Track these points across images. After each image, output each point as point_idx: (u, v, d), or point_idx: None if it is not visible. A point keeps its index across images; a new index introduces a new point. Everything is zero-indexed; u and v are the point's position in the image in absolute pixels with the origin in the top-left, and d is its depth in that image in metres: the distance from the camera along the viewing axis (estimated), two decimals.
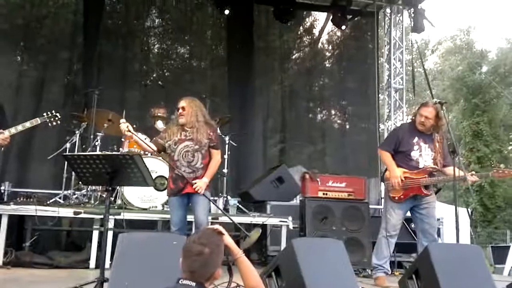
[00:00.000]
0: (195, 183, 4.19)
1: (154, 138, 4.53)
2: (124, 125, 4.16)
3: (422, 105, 4.79)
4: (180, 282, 2.08)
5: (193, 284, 2.06)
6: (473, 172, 4.53)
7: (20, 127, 4.01)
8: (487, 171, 4.82)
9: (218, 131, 4.74)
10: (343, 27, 9.23)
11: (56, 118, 4.26)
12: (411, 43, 10.09)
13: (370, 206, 5.64)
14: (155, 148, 4.44)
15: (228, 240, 2.32)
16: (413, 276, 3.75)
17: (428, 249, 3.66)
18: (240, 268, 2.34)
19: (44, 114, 4.22)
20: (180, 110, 4.36)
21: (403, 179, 4.59)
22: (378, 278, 4.69)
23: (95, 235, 4.94)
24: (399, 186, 4.58)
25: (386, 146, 4.85)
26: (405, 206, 4.69)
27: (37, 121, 4.13)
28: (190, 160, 4.30)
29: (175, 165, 4.31)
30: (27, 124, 4.06)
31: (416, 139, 4.66)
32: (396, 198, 4.67)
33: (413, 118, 4.84)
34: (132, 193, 5.48)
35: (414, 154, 4.64)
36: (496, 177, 4.64)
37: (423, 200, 4.64)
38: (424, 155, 4.63)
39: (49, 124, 4.21)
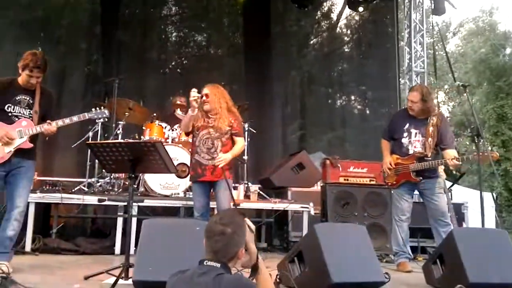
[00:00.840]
0: (219, 158, 4.21)
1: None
2: (194, 93, 4.19)
3: (409, 90, 4.88)
4: (204, 263, 2.11)
5: (218, 265, 2.09)
6: (455, 156, 4.41)
7: (67, 120, 3.95)
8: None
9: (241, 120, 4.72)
10: (361, 10, 9.07)
11: (104, 115, 4.24)
12: (432, 25, 9.85)
13: (392, 191, 5.57)
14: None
15: (251, 245, 2.31)
16: (437, 261, 3.74)
17: (453, 233, 3.64)
18: (257, 277, 2.32)
19: (93, 109, 4.16)
20: (204, 97, 4.38)
21: (393, 165, 4.67)
22: (400, 263, 4.68)
23: (120, 222, 5.01)
24: (390, 172, 4.69)
25: (383, 134, 4.97)
26: (406, 191, 4.70)
27: (84, 116, 4.07)
28: (210, 147, 4.32)
29: (194, 150, 4.36)
30: (75, 118, 4.00)
31: (407, 125, 4.67)
32: (390, 184, 4.78)
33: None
34: (154, 180, 5.54)
35: (404, 140, 4.68)
36: (476, 161, 4.48)
37: (422, 186, 4.62)
38: (413, 140, 4.64)
39: (97, 120, 4.18)
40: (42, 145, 7.18)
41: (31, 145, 3.85)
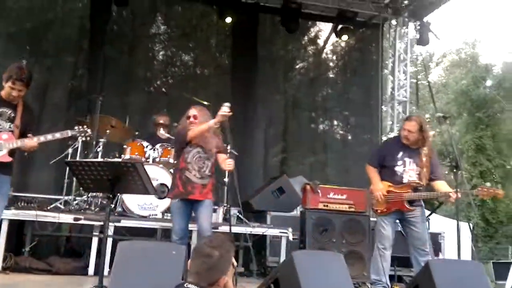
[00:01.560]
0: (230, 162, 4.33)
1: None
2: (227, 108, 4.19)
3: (406, 119, 4.89)
4: (185, 285, 2.08)
5: None
6: (458, 190, 4.45)
7: (50, 136, 3.92)
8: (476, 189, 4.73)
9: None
10: (346, 37, 9.24)
11: (87, 134, 4.18)
12: (416, 56, 10.06)
13: (371, 219, 5.59)
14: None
15: (229, 283, 2.30)
16: None
17: (429, 265, 3.64)
18: None
19: (76, 127, 4.14)
20: (192, 119, 4.39)
21: (385, 193, 4.65)
22: None
23: (95, 241, 4.92)
24: (382, 199, 4.64)
25: (371, 161, 4.89)
26: (393, 219, 4.70)
27: (67, 133, 4.06)
28: (201, 166, 4.33)
29: (184, 167, 4.31)
30: (57, 135, 3.98)
31: (400, 154, 4.67)
32: (379, 211, 4.73)
33: (399, 132, 4.89)
34: (132, 201, 5.46)
35: (398, 169, 4.67)
36: (480, 195, 4.63)
37: (410, 215, 4.63)
38: (408, 169, 4.64)
39: (79, 138, 4.15)
40: (19, 160, 7.09)
41: (10, 158, 3.78)
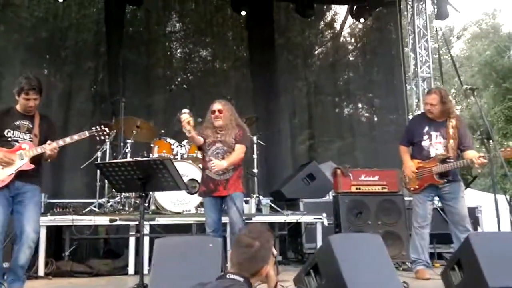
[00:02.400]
0: (212, 162, 4.19)
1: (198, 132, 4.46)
2: (185, 115, 4.13)
3: (426, 93, 4.88)
4: (228, 276, 2.09)
5: (241, 279, 2.08)
6: (481, 154, 4.39)
7: (68, 139, 3.92)
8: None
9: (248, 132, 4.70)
10: (363, 20, 9.08)
11: (105, 132, 4.17)
12: (436, 30, 9.79)
13: (405, 198, 5.51)
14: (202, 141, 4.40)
15: (271, 272, 2.29)
16: (456, 267, 3.66)
17: (470, 239, 3.56)
18: None
19: (93, 128, 4.15)
20: (217, 113, 4.38)
21: (415, 169, 4.62)
22: (418, 271, 4.62)
23: (132, 241, 4.98)
24: (413, 176, 4.63)
25: (401, 140, 4.93)
26: (427, 196, 4.64)
27: (85, 134, 4.05)
28: None
29: (205, 166, 4.34)
30: (75, 137, 3.98)
31: (426, 128, 4.65)
32: (412, 189, 4.71)
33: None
34: (165, 198, 5.51)
35: (425, 143, 4.65)
36: (505, 156, 4.44)
37: (445, 191, 4.57)
38: (435, 143, 4.60)
39: (97, 138, 4.17)
40: (51, 168, 7.26)
41: (32, 166, 3.80)
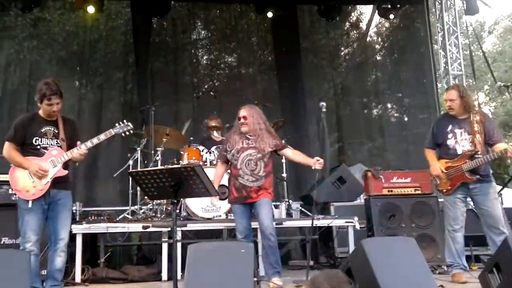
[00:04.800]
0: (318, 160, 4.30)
1: (218, 155, 4.55)
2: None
3: (445, 91, 4.83)
4: None
5: None
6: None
7: (95, 140, 3.97)
8: None
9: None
10: (392, 17, 8.96)
11: (129, 128, 4.18)
12: (466, 26, 9.57)
13: (439, 200, 5.37)
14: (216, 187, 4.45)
15: None
16: (494, 270, 3.57)
17: (508, 241, 3.49)
18: None
19: (117, 124, 4.16)
20: (242, 120, 4.41)
21: (444, 170, 4.51)
22: (455, 274, 4.52)
23: (165, 247, 5.03)
24: (442, 177, 4.53)
25: (426, 143, 4.81)
26: (459, 197, 4.52)
27: (110, 132, 4.08)
28: (253, 168, 4.34)
29: (237, 174, 4.35)
30: (102, 137, 4.01)
31: (450, 127, 4.56)
32: (445, 190, 4.59)
33: None
34: (196, 204, 5.54)
35: (450, 142, 4.55)
36: None
37: (476, 191, 4.45)
38: (460, 140, 4.50)
39: (123, 134, 4.18)
40: (85, 177, 7.47)
41: (66, 171, 3.90)
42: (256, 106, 4.69)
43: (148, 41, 8.59)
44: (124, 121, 4.21)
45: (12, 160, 3.84)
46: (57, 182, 3.86)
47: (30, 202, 3.75)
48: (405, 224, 5.22)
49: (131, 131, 4.25)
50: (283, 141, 6.12)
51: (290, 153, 4.60)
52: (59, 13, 8.68)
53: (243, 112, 4.47)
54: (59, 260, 3.83)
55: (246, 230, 4.38)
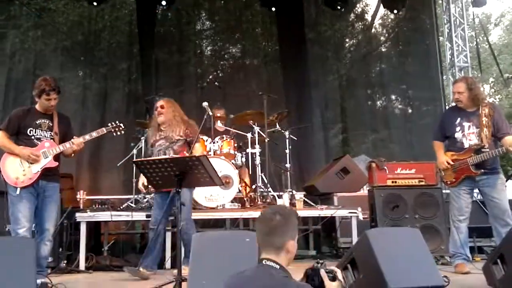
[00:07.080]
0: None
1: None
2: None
3: (453, 83, 4.81)
4: (264, 262, 2.08)
5: (277, 266, 2.06)
6: None
7: (87, 137, 4.17)
8: None
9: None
10: (397, 10, 8.90)
11: (121, 128, 4.39)
12: (473, 18, 9.48)
13: (444, 191, 5.36)
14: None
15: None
16: (498, 261, 3.56)
17: None
18: None
19: (109, 124, 4.37)
20: (159, 109, 4.61)
21: (451, 162, 4.50)
22: (458, 265, 4.51)
23: (168, 236, 5.05)
24: (448, 169, 4.52)
25: (434, 135, 4.80)
26: (464, 189, 4.50)
27: (103, 131, 4.30)
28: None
29: None
30: (94, 134, 4.23)
31: (458, 120, 4.52)
32: (449, 182, 4.59)
33: None
34: (199, 194, 5.55)
35: (458, 135, 4.52)
36: None
37: (483, 183, 4.42)
38: (468, 133, 4.47)
39: (114, 134, 4.38)
40: (89, 166, 7.51)
41: (56, 163, 4.06)
42: (173, 100, 4.83)
43: (153, 32, 8.60)
44: (117, 121, 4.41)
45: (4, 146, 4.01)
46: (47, 174, 4.01)
47: (18, 189, 3.88)
48: (408, 215, 5.19)
49: (122, 132, 4.43)
50: (287, 133, 6.11)
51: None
52: (63, 2, 8.68)
53: (161, 102, 4.66)
54: (45, 248, 3.99)
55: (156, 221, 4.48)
